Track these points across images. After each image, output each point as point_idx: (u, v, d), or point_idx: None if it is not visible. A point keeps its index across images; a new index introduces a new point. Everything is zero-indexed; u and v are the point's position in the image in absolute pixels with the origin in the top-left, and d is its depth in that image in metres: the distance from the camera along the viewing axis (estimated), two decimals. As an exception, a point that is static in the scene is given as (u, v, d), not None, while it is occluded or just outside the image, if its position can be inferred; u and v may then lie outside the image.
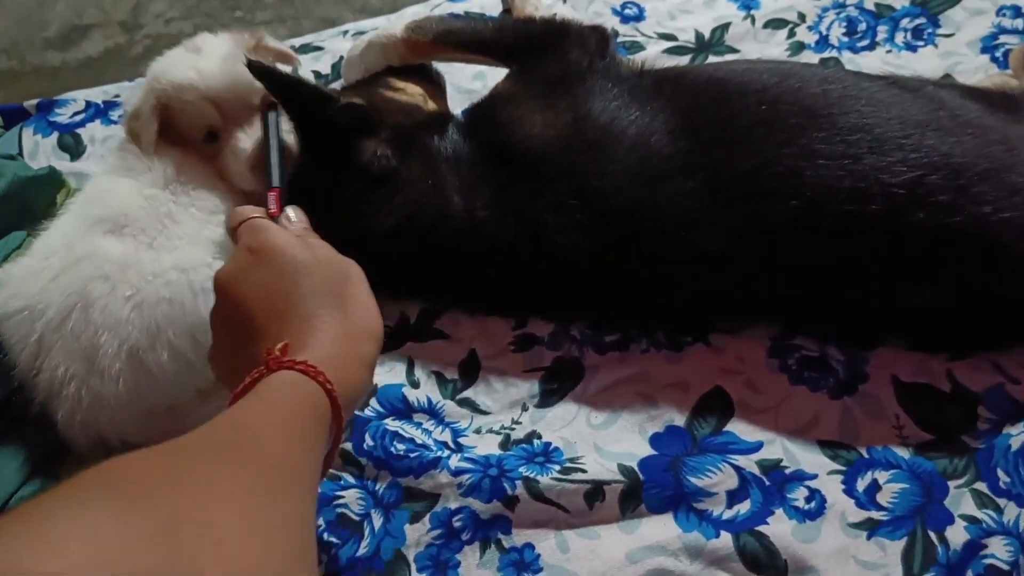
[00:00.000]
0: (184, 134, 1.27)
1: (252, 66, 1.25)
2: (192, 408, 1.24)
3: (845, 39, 1.68)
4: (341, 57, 1.77)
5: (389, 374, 1.31)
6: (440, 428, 1.25)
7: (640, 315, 1.31)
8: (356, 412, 1.23)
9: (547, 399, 1.25)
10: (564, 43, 1.41)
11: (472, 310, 1.37)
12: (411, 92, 1.48)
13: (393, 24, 1.54)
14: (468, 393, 1.28)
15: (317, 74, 1.79)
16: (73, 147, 1.68)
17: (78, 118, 1.73)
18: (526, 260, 1.27)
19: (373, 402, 1.27)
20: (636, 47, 1.71)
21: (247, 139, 1.26)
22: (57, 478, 1.19)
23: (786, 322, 1.28)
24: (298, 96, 1.30)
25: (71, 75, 3.70)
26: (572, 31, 1.44)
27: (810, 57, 1.66)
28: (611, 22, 1.77)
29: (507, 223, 1.26)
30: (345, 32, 1.87)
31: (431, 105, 1.49)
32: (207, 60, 1.27)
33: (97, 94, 1.81)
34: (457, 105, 1.62)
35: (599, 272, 1.25)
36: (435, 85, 1.57)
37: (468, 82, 1.70)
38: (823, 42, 1.68)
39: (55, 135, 1.69)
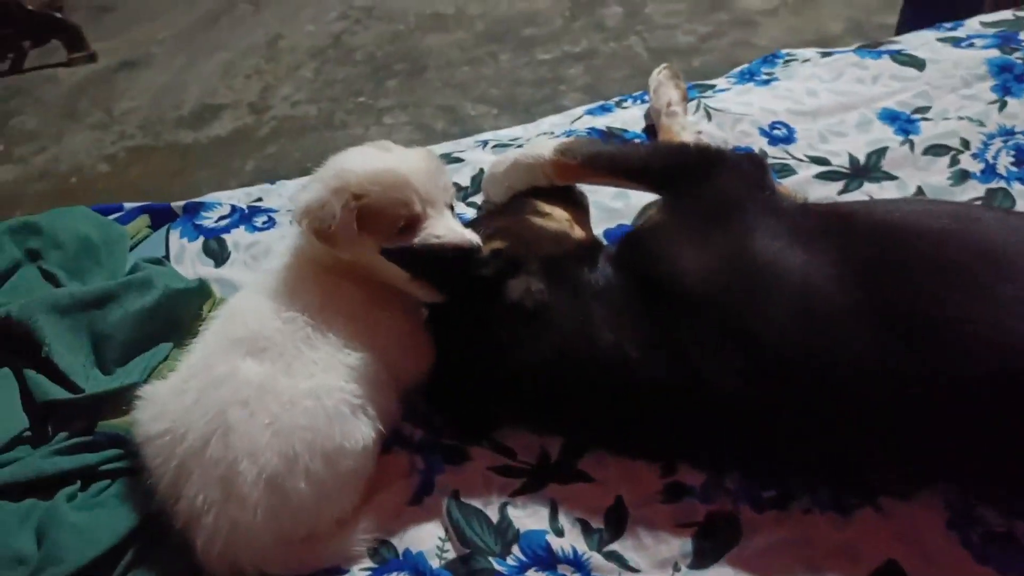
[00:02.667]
0: (377, 228, 1.22)
1: (388, 253, 1.24)
2: (330, 538, 1.21)
3: (1014, 168, 1.58)
4: (481, 170, 1.75)
5: (531, 518, 1.24)
6: (587, 584, 1.17)
7: (801, 470, 1.22)
8: (497, 567, 1.18)
9: (702, 560, 1.17)
10: (719, 172, 1.36)
11: (618, 450, 1.30)
12: (558, 217, 1.45)
13: (540, 144, 1.51)
14: (615, 546, 1.20)
15: (457, 186, 1.77)
16: (218, 253, 1.70)
17: (223, 223, 1.75)
18: (677, 403, 1.20)
19: (515, 550, 1.21)
20: (786, 171, 1.64)
21: (442, 225, 1.24)
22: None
23: (966, 487, 1.17)
24: (440, 263, 1.25)
25: (201, 152, 3.85)
26: (727, 160, 1.39)
27: (975, 188, 1.57)
28: (759, 143, 1.71)
29: (659, 363, 1.20)
30: (484, 143, 1.85)
31: (577, 231, 1.45)
32: (406, 157, 1.27)
33: (240, 197, 1.84)
34: (598, 225, 1.57)
35: (757, 420, 1.17)
36: (580, 208, 1.54)
37: (610, 200, 1.66)
38: (989, 171, 1.59)
39: (200, 240, 1.72)
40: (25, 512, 1.23)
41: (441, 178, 1.27)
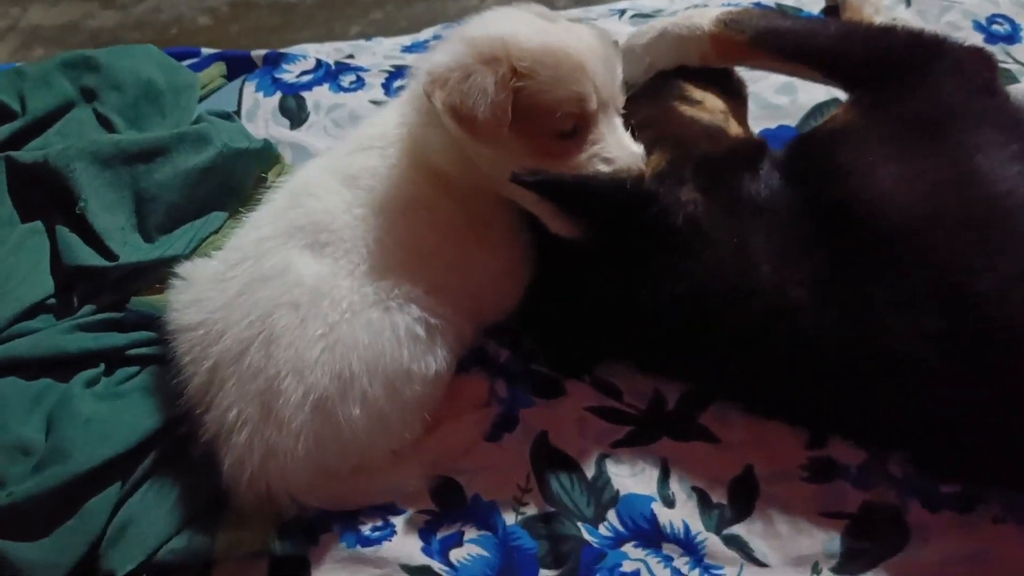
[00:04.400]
0: (532, 126, 0.94)
1: (536, 183, 0.95)
2: (381, 471, 1.00)
3: None
4: (615, 42, 1.43)
5: (635, 479, 1.00)
6: (696, 572, 0.91)
7: (998, 467, 0.92)
8: (586, 535, 0.95)
9: (852, 564, 0.91)
10: (936, 67, 1.03)
11: (753, 407, 1.03)
12: (711, 107, 1.14)
13: (698, 14, 1.19)
14: (739, 529, 0.96)
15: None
16: (295, 113, 1.46)
17: (305, 79, 1.51)
18: (845, 362, 0.93)
19: (611, 516, 0.96)
20: (1008, 76, 1.28)
21: (614, 139, 0.96)
22: (212, 533, 0.96)
23: None
24: (598, 198, 0.98)
25: (304, 12, 3.58)
26: (948, 51, 1.05)
27: None
28: (972, 39, 1.35)
29: (829, 312, 0.92)
30: (621, 12, 1.53)
31: (734, 127, 1.14)
32: (580, 34, 0.97)
33: (329, 52, 1.58)
34: (754, 123, 1.26)
35: (950, 399, 0.89)
36: (738, 98, 1.23)
37: (772, 94, 1.34)
38: None
39: (277, 96, 1.49)
40: (37, 394, 1.05)
41: (617, 70, 0.98)
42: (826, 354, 0.93)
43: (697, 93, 1.17)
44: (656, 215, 0.97)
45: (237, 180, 1.24)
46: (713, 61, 1.19)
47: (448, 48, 0.95)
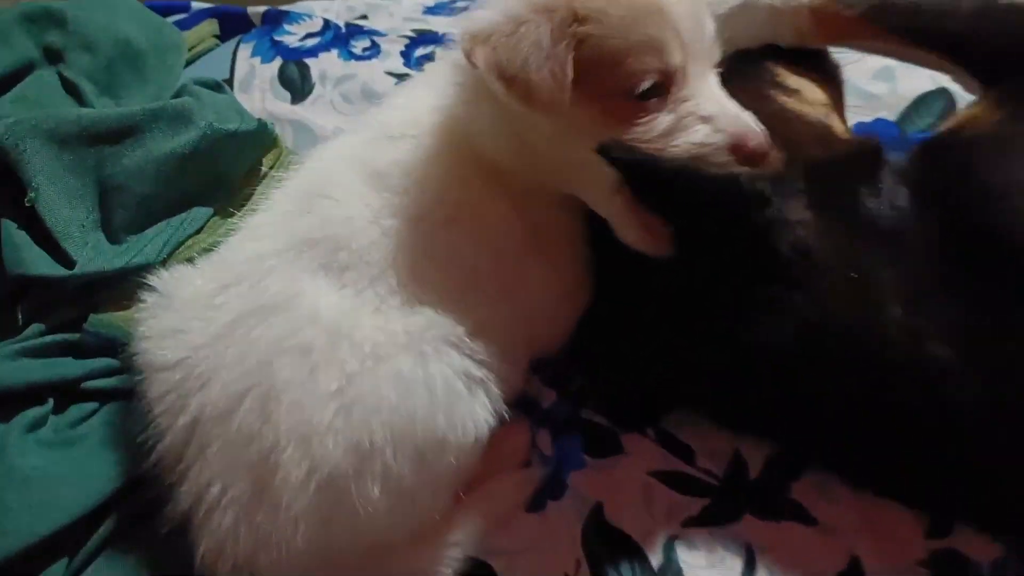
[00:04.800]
0: (601, 86, 0.75)
1: (607, 151, 0.75)
2: (398, 554, 0.80)
3: None
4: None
5: (714, 570, 0.81)
6: None
7: None
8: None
9: None
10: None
11: (858, 482, 0.84)
12: (811, 98, 0.93)
13: (793, -20, 0.96)
14: (846, 644, 0.74)
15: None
16: (298, 83, 1.26)
17: (310, 42, 1.30)
18: (990, 439, 0.73)
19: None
20: None
21: (711, 97, 0.76)
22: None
23: None
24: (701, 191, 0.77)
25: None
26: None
27: None
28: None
29: (976, 374, 0.72)
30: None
31: (837, 124, 0.93)
32: None
33: (340, 10, 1.37)
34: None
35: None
36: (835, 86, 1.01)
37: (867, 81, 1.14)
38: None
39: (278, 62, 1.28)
40: (-37, 441, 0.83)
41: (707, 20, 0.78)
42: (968, 425, 0.73)
43: (792, 80, 0.96)
44: (763, 230, 0.75)
45: (224, 169, 1.03)
46: (811, 40, 0.97)
47: (493, 2, 0.76)
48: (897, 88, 1.13)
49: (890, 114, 1.12)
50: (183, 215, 0.99)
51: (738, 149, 0.74)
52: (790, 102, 0.90)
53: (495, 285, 0.82)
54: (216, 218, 1.01)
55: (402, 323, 0.77)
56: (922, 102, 1.11)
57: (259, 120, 1.08)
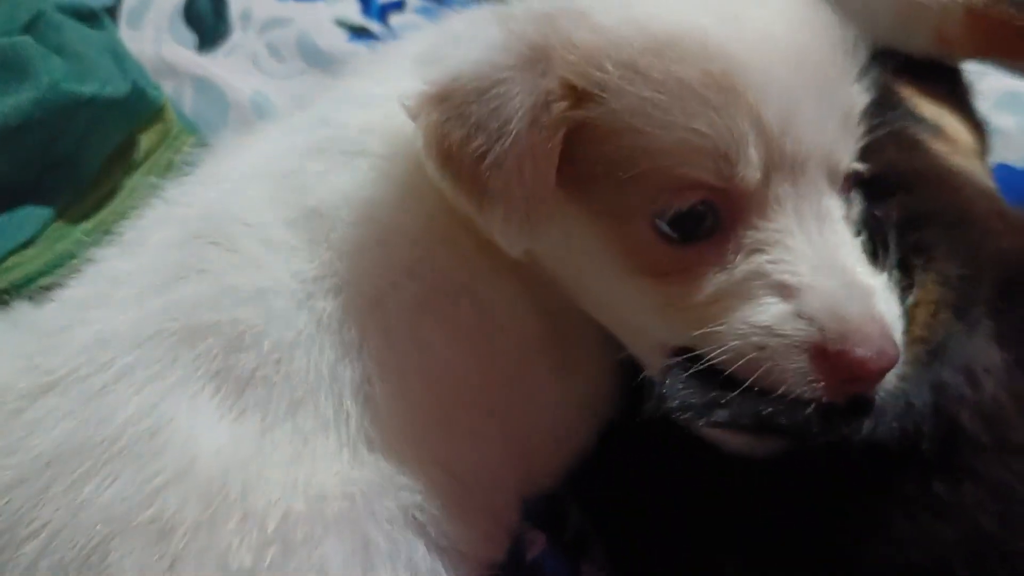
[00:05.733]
0: (617, 197, 0.50)
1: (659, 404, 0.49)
2: None
3: None
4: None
5: None
6: None
7: None
8: None
9: None
10: None
11: None
12: (964, 143, 0.66)
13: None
14: None
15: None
16: (209, 21, 0.96)
17: (233, -33, 1.00)
18: None
19: None
20: None
21: (818, 264, 0.48)
22: None
23: None
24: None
25: None
26: None
27: None
28: None
29: None
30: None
31: (992, 184, 0.65)
32: (747, 5, 0.50)
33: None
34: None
35: None
36: (977, 123, 0.74)
37: (989, 110, 0.88)
38: None
39: (185, -9, 0.96)
40: None
41: (839, 91, 0.51)
42: None
43: (928, 109, 0.68)
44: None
45: (74, 149, 0.70)
46: (957, 50, 0.73)
47: (479, 34, 0.52)
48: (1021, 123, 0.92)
49: (1019, 157, 0.89)
50: (4, 216, 0.67)
51: (830, 358, 0.46)
52: (947, 151, 0.60)
53: (485, 405, 0.55)
54: (58, 224, 0.68)
55: (339, 480, 0.49)
56: None
57: (135, 82, 0.74)
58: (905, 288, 0.52)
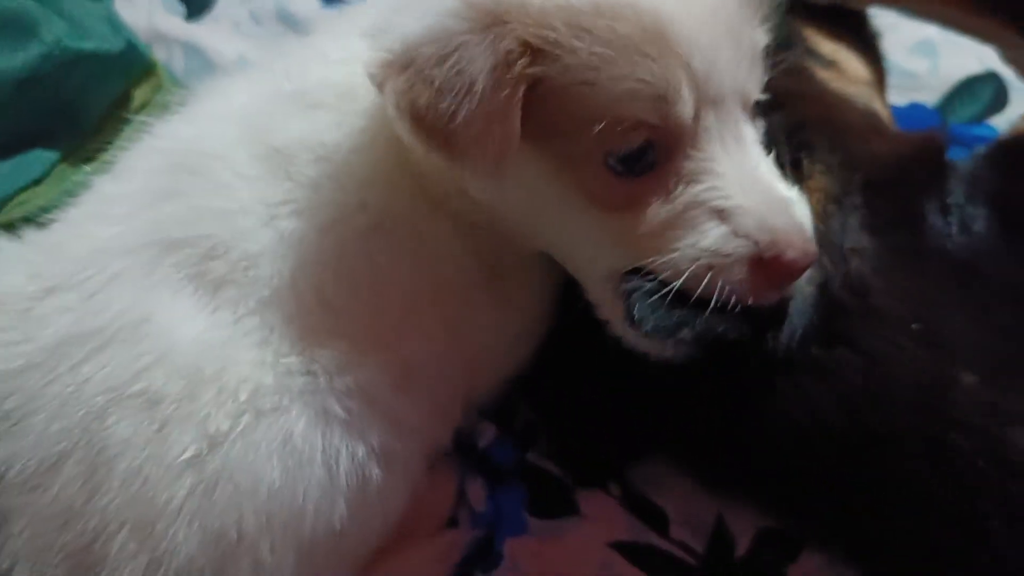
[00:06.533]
0: (572, 143, 0.54)
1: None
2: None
3: None
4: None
5: None
6: None
7: None
8: None
9: None
10: None
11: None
12: (852, 74, 0.76)
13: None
14: None
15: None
16: (199, -10, 1.01)
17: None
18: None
19: None
20: None
21: (748, 185, 0.54)
22: None
23: None
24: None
25: None
26: None
27: None
28: None
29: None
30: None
31: (881, 109, 0.73)
32: None
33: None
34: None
35: None
36: (875, 58, 0.82)
37: (902, 56, 0.96)
38: None
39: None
40: None
41: (747, 33, 0.56)
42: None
43: (826, 46, 0.77)
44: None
45: (76, 100, 0.78)
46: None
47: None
48: (939, 66, 0.97)
49: (931, 97, 0.96)
50: (16, 159, 0.75)
51: (764, 267, 0.52)
52: (831, 78, 0.69)
53: (432, 318, 0.61)
54: (63, 166, 0.77)
55: (303, 359, 0.56)
56: (967, 87, 0.95)
57: (129, 40, 0.83)
58: (798, 183, 0.61)
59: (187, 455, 0.53)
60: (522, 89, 0.51)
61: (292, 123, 0.62)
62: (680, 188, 0.53)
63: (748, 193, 0.53)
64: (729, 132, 0.54)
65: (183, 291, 0.58)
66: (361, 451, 0.57)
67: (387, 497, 0.59)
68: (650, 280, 0.54)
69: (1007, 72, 0.92)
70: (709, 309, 0.52)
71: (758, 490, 0.66)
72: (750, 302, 0.53)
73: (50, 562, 0.53)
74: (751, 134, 0.56)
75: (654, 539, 0.69)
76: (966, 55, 0.94)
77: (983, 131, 0.90)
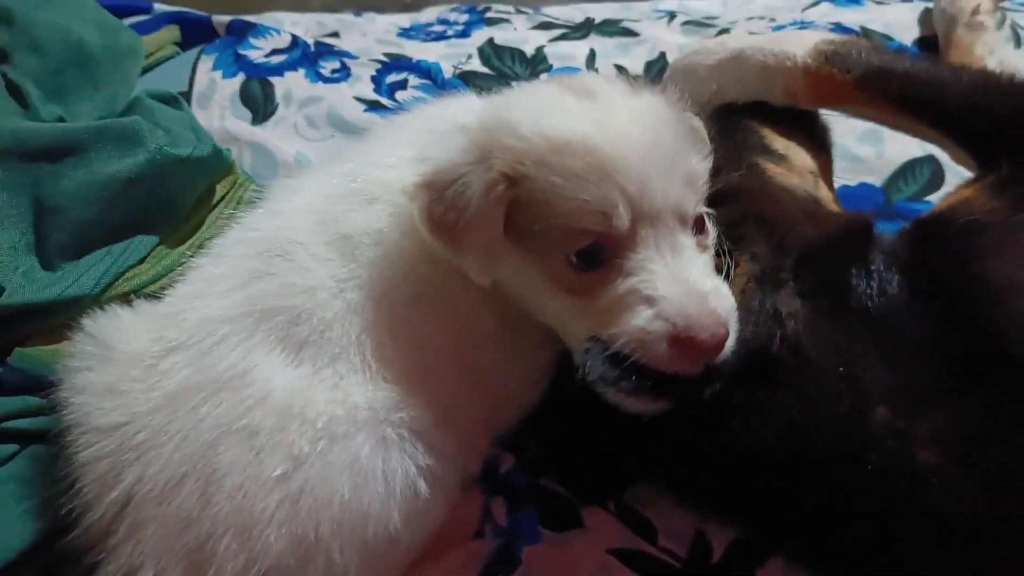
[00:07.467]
0: (539, 238, 0.71)
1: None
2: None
3: None
4: (662, 54, 1.17)
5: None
6: None
7: None
8: None
9: None
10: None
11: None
12: (799, 166, 0.90)
13: (789, 38, 0.93)
14: None
15: (620, 68, 1.20)
16: (260, 102, 1.18)
17: (277, 59, 1.22)
18: (987, 554, 0.68)
19: None
20: None
21: (672, 279, 0.69)
22: None
23: None
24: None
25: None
26: None
27: None
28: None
29: (968, 483, 0.67)
30: (670, 16, 1.26)
31: (824, 193, 0.89)
32: (613, 115, 0.71)
33: (309, 25, 1.30)
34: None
35: None
36: (825, 152, 0.97)
37: (852, 143, 1.11)
38: None
39: (240, 78, 1.19)
40: None
41: (681, 165, 0.71)
42: (957, 535, 0.68)
43: (779, 143, 0.92)
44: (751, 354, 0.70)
45: (173, 195, 0.95)
46: (803, 101, 0.95)
47: (450, 141, 0.74)
48: (884, 152, 1.11)
49: (876, 179, 1.09)
50: (125, 243, 0.91)
51: (681, 344, 0.66)
52: (778, 173, 0.85)
53: (459, 368, 0.76)
54: (161, 247, 0.93)
55: (366, 397, 0.71)
56: (909, 169, 1.09)
57: (214, 145, 1.00)
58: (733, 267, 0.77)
59: (277, 473, 0.67)
60: (504, 205, 0.68)
61: (356, 215, 0.78)
62: (621, 280, 0.68)
63: (672, 286, 0.67)
64: (664, 240, 0.69)
65: (275, 350, 0.72)
66: (412, 470, 0.70)
67: (430, 510, 0.72)
68: (602, 345, 0.69)
69: (943, 155, 1.04)
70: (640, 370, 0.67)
71: (724, 507, 0.80)
72: (671, 371, 0.67)
73: (171, 560, 0.66)
74: (687, 241, 0.70)
75: (645, 546, 0.82)
76: (908, 141, 1.03)
77: (922, 206, 1.04)
